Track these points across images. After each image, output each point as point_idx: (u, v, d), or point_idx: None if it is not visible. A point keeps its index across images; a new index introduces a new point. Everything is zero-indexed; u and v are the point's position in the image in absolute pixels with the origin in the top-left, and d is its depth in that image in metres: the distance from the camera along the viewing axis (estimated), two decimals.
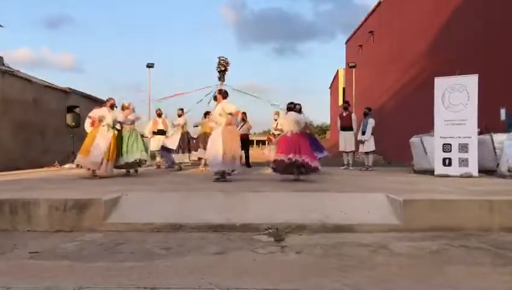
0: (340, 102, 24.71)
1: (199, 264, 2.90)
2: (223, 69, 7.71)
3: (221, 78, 7.78)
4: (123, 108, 7.76)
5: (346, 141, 10.03)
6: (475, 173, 7.26)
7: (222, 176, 6.31)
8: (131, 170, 8.07)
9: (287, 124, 6.49)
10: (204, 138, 8.42)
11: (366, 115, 10.09)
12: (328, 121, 43.29)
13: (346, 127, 10.10)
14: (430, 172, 7.76)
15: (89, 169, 7.08)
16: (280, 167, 6.33)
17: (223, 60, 7.70)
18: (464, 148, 7.39)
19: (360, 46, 22.12)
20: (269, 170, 6.98)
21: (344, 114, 10.32)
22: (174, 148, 9.30)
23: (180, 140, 9.39)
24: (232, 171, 6.36)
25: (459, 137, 7.43)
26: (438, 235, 3.74)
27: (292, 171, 6.38)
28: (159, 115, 10.74)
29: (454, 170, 7.39)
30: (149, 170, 9.54)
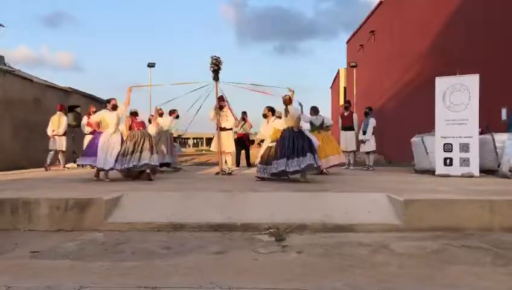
0: (341, 102, 24.68)
1: (200, 264, 2.90)
2: (215, 68, 7.69)
3: (215, 77, 7.77)
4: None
5: (347, 140, 10.01)
6: (476, 173, 7.24)
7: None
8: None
9: None
10: None
11: (367, 114, 10.09)
12: None
13: (347, 126, 10.09)
14: (431, 172, 7.74)
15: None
16: None
17: (215, 59, 7.69)
18: (465, 148, 7.37)
19: (361, 45, 22.08)
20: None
21: (345, 114, 10.31)
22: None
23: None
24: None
25: (460, 137, 7.41)
26: (438, 235, 3.74)
27: None
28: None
29: (455, 169, 7.38)
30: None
